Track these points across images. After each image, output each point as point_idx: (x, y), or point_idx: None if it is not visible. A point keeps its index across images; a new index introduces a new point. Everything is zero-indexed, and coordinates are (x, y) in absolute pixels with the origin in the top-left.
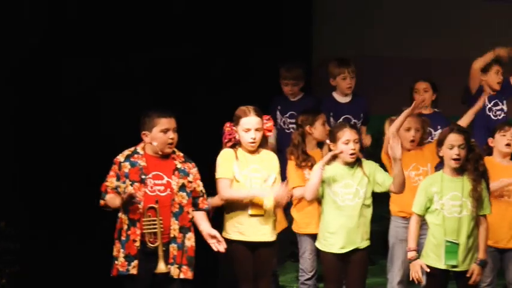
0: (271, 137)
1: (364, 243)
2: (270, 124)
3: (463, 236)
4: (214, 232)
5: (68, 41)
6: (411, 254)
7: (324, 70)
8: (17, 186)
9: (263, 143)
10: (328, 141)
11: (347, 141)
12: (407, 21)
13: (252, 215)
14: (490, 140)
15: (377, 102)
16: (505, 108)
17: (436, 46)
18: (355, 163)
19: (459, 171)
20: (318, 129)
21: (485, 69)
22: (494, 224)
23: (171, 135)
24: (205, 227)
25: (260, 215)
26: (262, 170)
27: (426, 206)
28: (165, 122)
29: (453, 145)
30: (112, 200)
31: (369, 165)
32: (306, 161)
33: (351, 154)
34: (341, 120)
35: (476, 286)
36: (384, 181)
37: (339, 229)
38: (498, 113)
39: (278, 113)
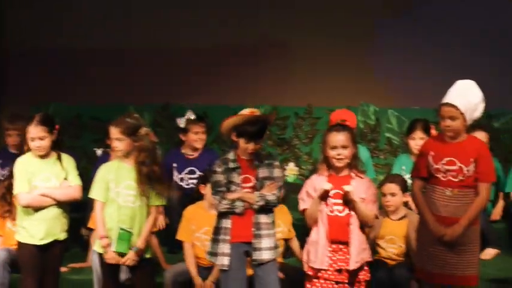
0: None
1: (63, 235)
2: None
3: (137, 225)
4: None
5: None
6: (104, 242)
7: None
8: None
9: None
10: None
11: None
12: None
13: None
14: None
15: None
16: None
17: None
18: (51, 156)
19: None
20: None
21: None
22: None
23: None
24: None
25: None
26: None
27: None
28: None
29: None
30: None
31: (66, 160)
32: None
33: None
34: None
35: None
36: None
37: (39, 220)
38: None
39: None
